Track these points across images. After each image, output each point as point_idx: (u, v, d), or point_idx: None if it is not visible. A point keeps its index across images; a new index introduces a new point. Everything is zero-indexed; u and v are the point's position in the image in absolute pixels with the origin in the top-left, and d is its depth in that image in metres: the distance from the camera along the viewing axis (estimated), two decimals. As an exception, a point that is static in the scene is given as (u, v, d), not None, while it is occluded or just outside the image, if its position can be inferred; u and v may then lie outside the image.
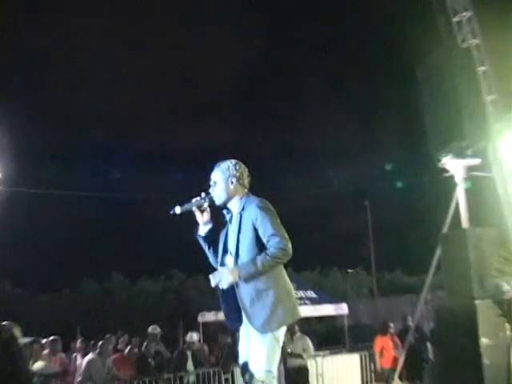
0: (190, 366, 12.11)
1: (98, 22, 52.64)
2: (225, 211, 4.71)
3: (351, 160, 39.97)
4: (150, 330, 12.39)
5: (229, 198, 4.63)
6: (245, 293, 4.40)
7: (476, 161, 13.77)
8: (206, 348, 14.44)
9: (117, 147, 47.51)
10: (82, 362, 11.62)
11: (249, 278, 4.33)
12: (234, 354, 12.76)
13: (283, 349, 12.54)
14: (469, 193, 13.40)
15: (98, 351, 11.24)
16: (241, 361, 4.61)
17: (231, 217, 4.64)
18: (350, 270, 37.31)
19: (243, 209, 4.52)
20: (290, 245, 4.35)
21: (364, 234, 26.76)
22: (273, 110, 60.11)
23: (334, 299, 20.28)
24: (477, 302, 10.34)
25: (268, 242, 4.35)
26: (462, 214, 13.42)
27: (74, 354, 12.88)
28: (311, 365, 13.12)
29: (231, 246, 4.58)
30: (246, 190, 4.69)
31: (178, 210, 4.60)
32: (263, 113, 60.49)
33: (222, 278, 4.39)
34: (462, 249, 10.94)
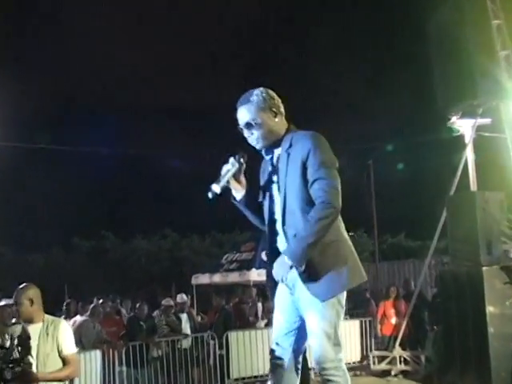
0: (185, 328, 12.09)
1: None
2: (263, 151, 3.86)
3: (357, 116, 39.46)
4: (163, 302, 12.32)
5: (274, 137, 3.74)
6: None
7: (487, 120, 13.61)
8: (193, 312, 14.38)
9: (111, 106, 47.01)
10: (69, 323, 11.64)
11: (303, 260, 3.46)
12: (229, 318, 12.77)
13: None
14: (478, 154, 13.28)
15: (88, 313, 11.21)
16: (276, 333, 3.78)
17: (272, 158, 3.80)
18: (350, 234, 37.29)
19: (290, 146, 3.67)
20: (337, 193, 3.58)
21: (366, 195, 26.42)
22: (280, 62, 59.40)
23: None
24: (484, 268, 10.26)
25: (312, 188, 3.56)
26: (470, 176, 13.32)
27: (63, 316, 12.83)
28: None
29: (276, 194, 3.74)
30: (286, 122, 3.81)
31: (216, 188, 3.60)
32: (269, 63, 59.64)
33: (276, 273, 3.55)
34: (469, 212, 10.80)
